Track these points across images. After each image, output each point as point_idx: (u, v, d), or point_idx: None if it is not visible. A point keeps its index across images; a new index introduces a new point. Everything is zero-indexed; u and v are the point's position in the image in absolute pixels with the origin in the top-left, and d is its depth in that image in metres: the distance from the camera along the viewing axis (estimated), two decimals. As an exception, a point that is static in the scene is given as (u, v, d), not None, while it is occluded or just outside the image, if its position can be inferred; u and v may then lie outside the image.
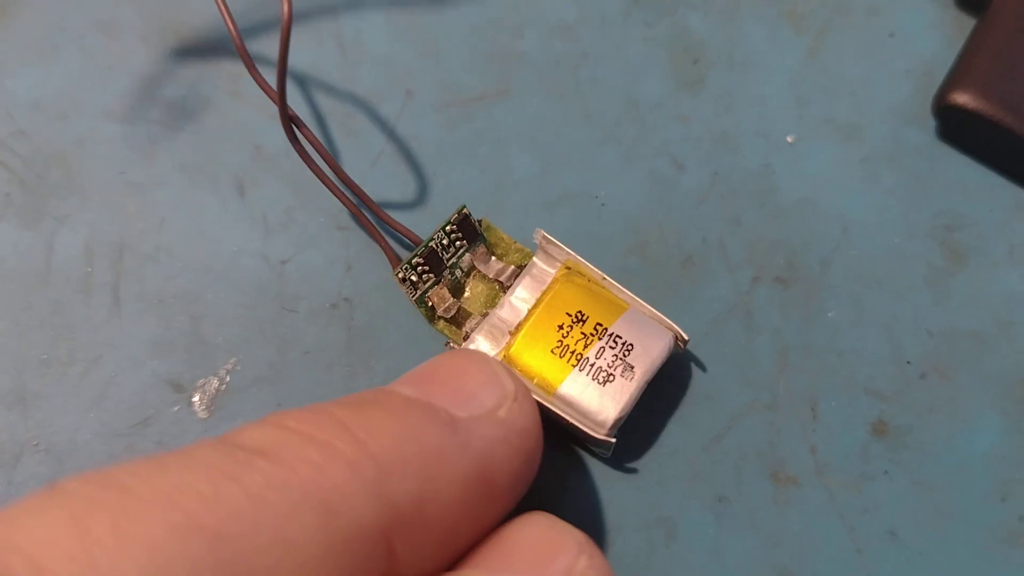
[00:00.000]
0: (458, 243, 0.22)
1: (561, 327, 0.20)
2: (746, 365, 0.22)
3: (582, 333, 0.20)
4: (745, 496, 0.21)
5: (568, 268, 0.21)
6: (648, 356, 0.20)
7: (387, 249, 0.22)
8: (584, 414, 0.20)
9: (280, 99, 0.20)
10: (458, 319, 0.22)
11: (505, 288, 0.22)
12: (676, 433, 0.21)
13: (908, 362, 0.22)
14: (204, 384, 0.21)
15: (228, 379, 0.22)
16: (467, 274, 0.22)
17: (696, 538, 0.20)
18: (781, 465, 0.21)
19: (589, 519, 0.20)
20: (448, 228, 0.21)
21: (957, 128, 0.24)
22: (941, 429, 0.21)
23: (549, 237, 0.21)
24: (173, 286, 0.22)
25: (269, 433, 0.15)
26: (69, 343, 0.22)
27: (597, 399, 0.20)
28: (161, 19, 0.25)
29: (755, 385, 0.22)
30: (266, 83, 0.21)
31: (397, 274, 0.21)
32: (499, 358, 0.20)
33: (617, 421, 0.20)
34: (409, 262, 0.21)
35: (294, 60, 0.25)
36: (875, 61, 0.25)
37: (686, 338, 0.20)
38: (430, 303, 0.21)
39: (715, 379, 0.22)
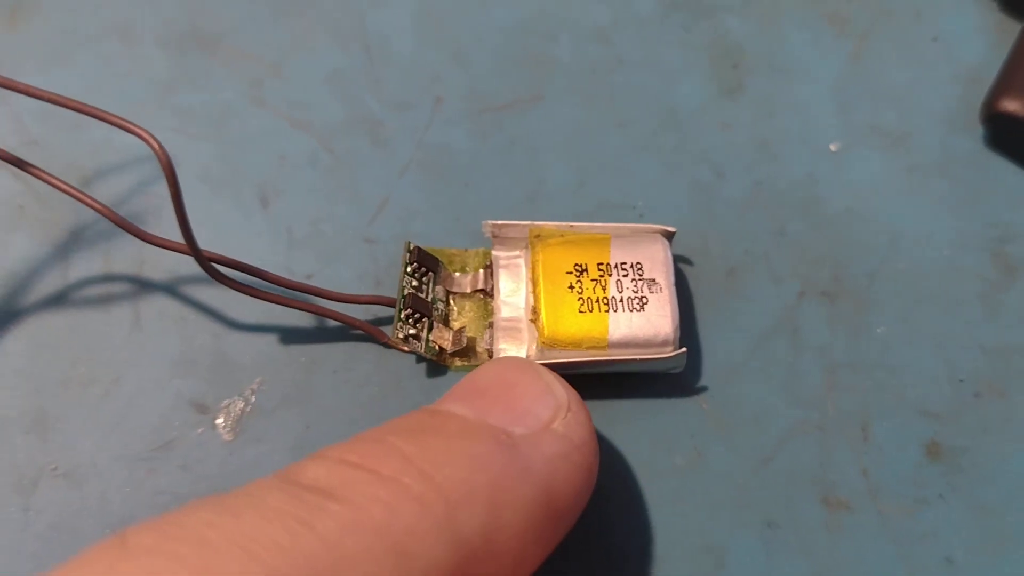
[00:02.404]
0: (424, 277, 0.21)
1: (572, 287, 0.20)
2: (793, 383, 0.21)
3: (592, 280, 0.20)
4: (796, 521, 0.20)
5: (537, 236, 0.21)
6: (659, 263, 0.20)
7: (367, 327, 0.21)
8: (646, 345, 0.20)
9: (192, 248, 0.18)
10: (469, 346, 0.21)
11: (489, 293, 0.21)
12: (722, 455, 0.20)
13: (961, 380, 0.21)
14: (229, 405, 0.21)
15: (254, 399, 0.21)
16: (446, 301, 0.21)
17: (745, 566, 0.20)
18: (832, 489, 0.20)
19: (633, 545, 0.20)
20: (411, 269, 0.21)
21: (1007, 136, 0.23)
22: (996, 450, 0.21)
23: (499, 222, 0.21)
24: (195, 303, 0.21)
25: (334, 471, 0.15)
26: (88, 362, 0.21)
27: (647, 325, 0.20)
28: (179, 23, 0.24)
29: (803, 404, 0.21)
30: (170, 241, 0.20)
31: (396, 336, 0.20)
32: (538, 347, 0.20)
33: (676, 332, 0.20)
34: (400, 319, 0.20)
35: (319, 64, 0.24)
36: (920, 66, 0.24)
37: (672, 230, 0.21)
38: (436, 347, 0.21)
39: (761, 398, 0.21)
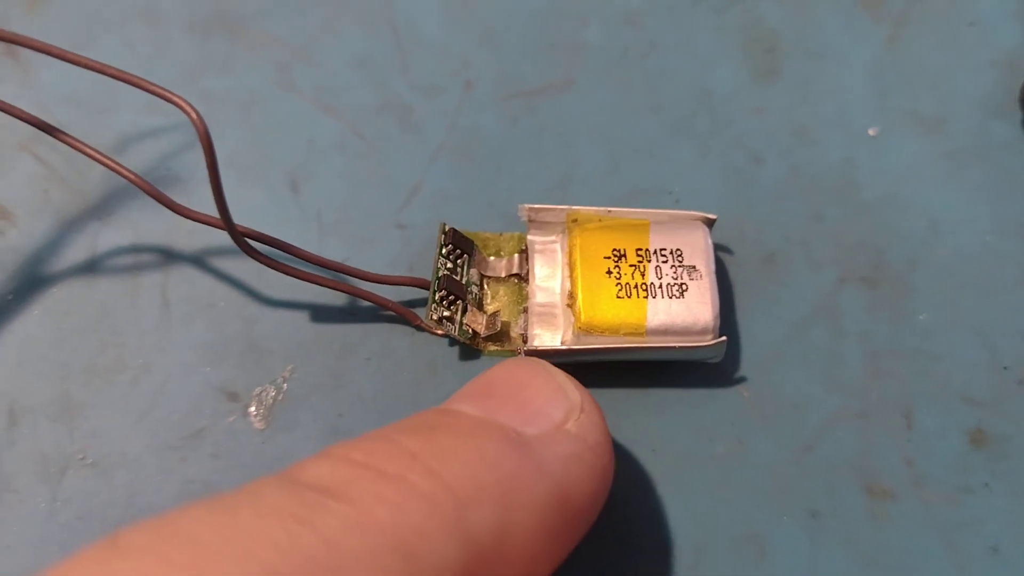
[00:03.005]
0: (459, 260, 0.21)
1: (609, 272, 0.19)
2: (834, 370, 0.21)
3: (631, 266, 0.20)
4: (839, 511, 0.19)
5: (575, 220, 0.20)
6: (699, 250, 0.20)
7: (399, 309, 0.20)
8: (684, 332, 0.19)
9: (226, 221, 0.18)
10: (503, 331, 0.21)
11: (524, 278, 0.21)
12: (763, 444, 0.20)
13: (1005, 367, 0.21)
14: (261, 393, 0.20)
15: (285, 387, 0.20)
16: (481, 285, 0.21)
17: (788, 556, 0.19)
18: (876, 477, 0.20)
19: (675, 533, 0.19)
20: (445, 251, 0.20)
21: (1046, 121, 0.23)
22: (1041, 438, 0.20)
23: (536, 206, 0.20)
24: (224, 288, 0.21)
25: (337, 469, 0.14)
26: (116, 349, 0.20)
27: (687, 312, 0.19)
28: (204, 7, 0.24)
29: (845, 392, 0.20)
30: (203, 215, 0.20)
31: (431, 317, 0.20)
32: (575, 332, 0.19)
33: (716, 320, 0.19)
34: (435, 301, 0.20)
35: (346, 48, 0.24)
36: (957, 51, 0.24)
37: (713, 217, 0.20)
38: (470, 330, 0.20)
39: (802, 386, 0.20)
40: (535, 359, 0.19)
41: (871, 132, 0.23)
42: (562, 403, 0.17)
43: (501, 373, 0.17)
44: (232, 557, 0.12)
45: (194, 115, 0.17)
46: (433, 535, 0.13)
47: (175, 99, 0.17)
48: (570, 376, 0.18)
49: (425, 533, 0.13)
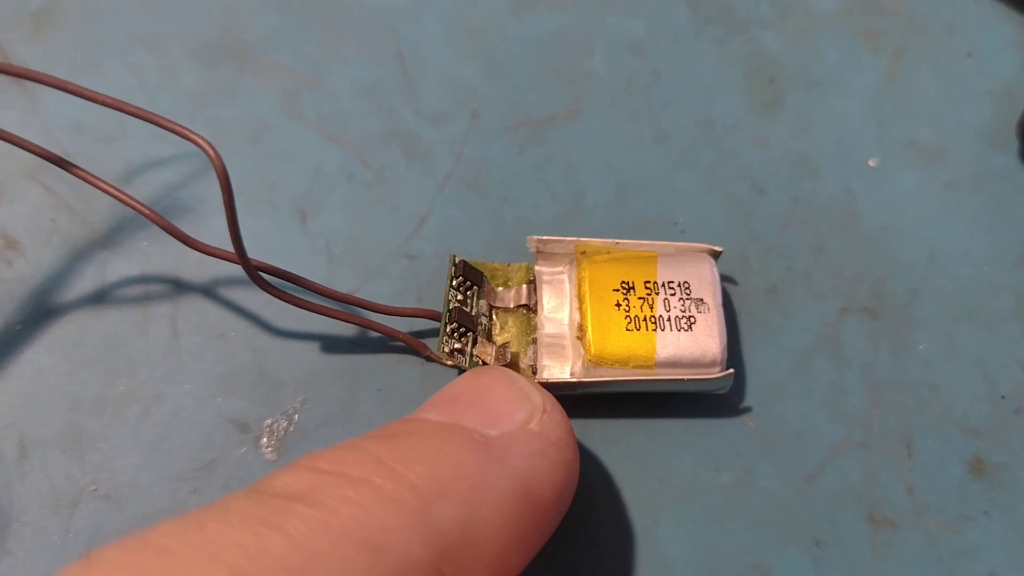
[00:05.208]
0: (468, 292, 0.21)
1: (618, 305, 0.20)
2: (837, 401, 0.21)
3: (639, 298, 0.20)
4: (842, 539, 0.20)
5: (583, 252, 0.20)
6: (706, 282, 0.20)
7: (409, 340, 0.21)
8: (693, 365, 0.19)
9: (242, 258, 0.18)
10: (512, 362, 0.21)
11: (532, 309, 0.21)
12: (768, 473, 0.20)
13: (1002, 397, 0.21)
14: (272, 424, 0.20)
15: (296, 418, 0.20)
16: (490, 316, 0.21)
17: (793, 584, 0.20)
18: (878, 506, 0.20)
19: (681, 563, 0.20)
20: (456, 283, 0.21)
21: (1042, 152, 0.23)
22: (1038, 466, 0.21)
23: (544, 238, 0.21)
24: (234, 319, 0.21)
25: (303, 477, 0.15)
26: (126, 380, 0.21)
27: (695, 345, 0.19)
28: (210, 34, 0.24)
29: (847, 422, 0.21)
30: (217, 249, 0.20)
31: (443, 350, 0.20)
32: (584, 364, 0.20)
33: (724, 353, 0.19)
34: (446, 333, 0.20)
35: (353, 77, 0.24)
36: (955, 82, 0.24)
37: (719, 249, 0.21)
38: (480, 362, 0.20)
39: (805, 415, 0.21)
40: (497, 367, 0.19)
41: (871, 163, 0.23)
42: (524, 405, 0.17)
43: (464, 382, 0.18)
44: (200, 563, 0.13)
45: (212, 153, 0.17)
46: (399, 531, 0.14)
47: (194, 137, 0.17)
48: (532, 380, 0.18)
49: (391, 530, 0.14)
